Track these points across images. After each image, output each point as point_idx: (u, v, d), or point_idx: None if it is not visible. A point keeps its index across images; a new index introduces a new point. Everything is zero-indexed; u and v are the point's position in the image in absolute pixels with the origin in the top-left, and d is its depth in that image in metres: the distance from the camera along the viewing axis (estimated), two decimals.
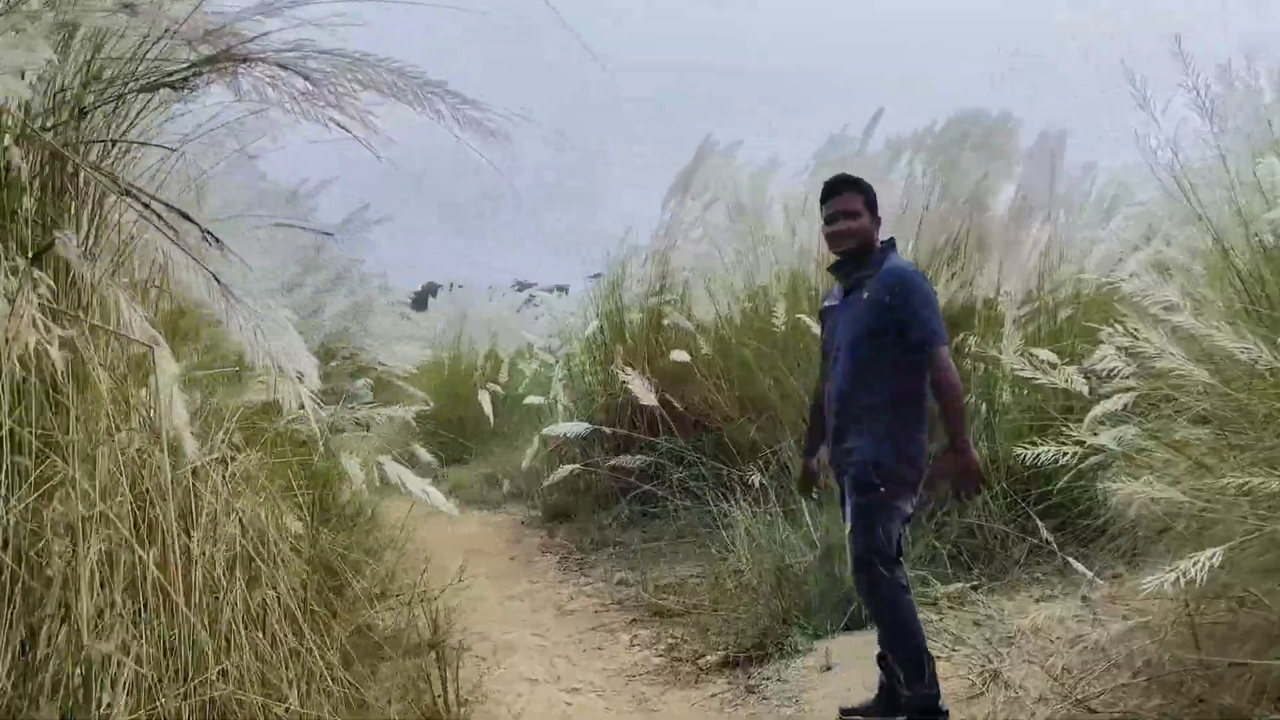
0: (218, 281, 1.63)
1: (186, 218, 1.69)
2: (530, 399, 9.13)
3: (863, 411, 3.38)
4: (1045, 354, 4.38)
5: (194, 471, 1.95)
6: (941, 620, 4.36)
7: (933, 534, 4.98)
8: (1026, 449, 4.14)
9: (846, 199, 3.50)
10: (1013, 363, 5.18)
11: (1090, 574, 4.04)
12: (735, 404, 6.80)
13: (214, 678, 1.79)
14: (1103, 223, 6.42)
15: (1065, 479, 4.69)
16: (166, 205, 1.73)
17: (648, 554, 6.46)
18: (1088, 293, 5.75)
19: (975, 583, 4.74)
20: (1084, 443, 3.97)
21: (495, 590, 6.17)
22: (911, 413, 3.35)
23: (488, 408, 10.77)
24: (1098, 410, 4.16)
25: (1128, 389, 4.19)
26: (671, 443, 6.65)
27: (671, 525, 6.30)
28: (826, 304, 3.78)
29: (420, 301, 13.88)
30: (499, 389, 11.85)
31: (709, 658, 4.38)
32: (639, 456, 7.10)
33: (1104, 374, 4.46)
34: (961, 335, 5.52)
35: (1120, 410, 4.10)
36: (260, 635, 2.00)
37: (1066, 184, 6.14)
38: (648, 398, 6.48)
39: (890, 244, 3.58)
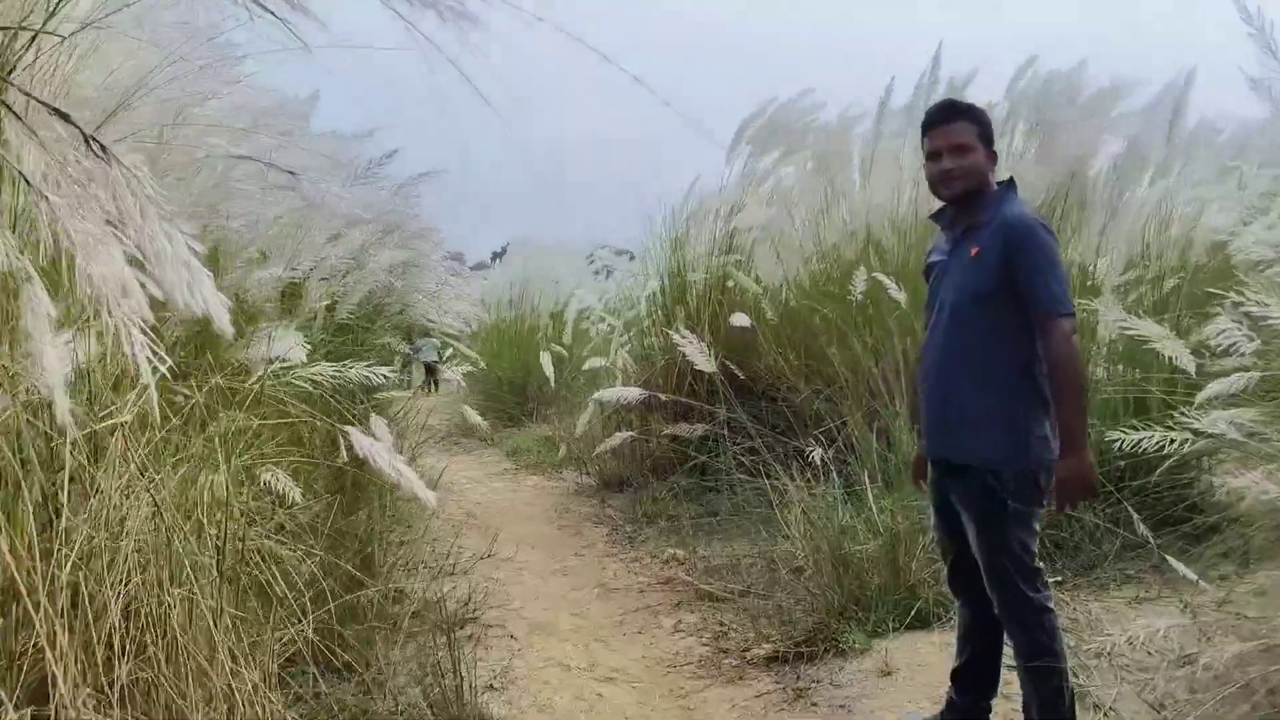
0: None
1: (64, 117, 1.31)
2: (591, 362, 8.75)
3: (969, 398, 2.81)
4: (1148, 326, 3.83)
5: (89, 439, 1.62)
6: None
7: None
8: (1125, 433, 3.66)
9: (955, 130, 2.86)
10: (1110, 333, 4.66)
11: (1194, 576, 3.53)
12: (801, 374, 6.33)
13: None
14: (1221, 182, 5.76)
15: (1166, 466, 4.20)
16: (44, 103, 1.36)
17: (701, 530, 6.09)
18: (1200, 259, 5.13)
19: (1058, 578, 4.25)
20: (1195, 428, 3.45)
21: (540, 562, 5.85)
22: (1034, 400, 2.75)
23: (549, 369, 10.43)
24: (1211, 390, 3.64)
25: (1247, 368, 3.66)
26: (732, 413, 6.23)
27: (728, 500, 5.88)
28: (932, 258, 3.12)
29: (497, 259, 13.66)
30: (562, 350, 11.53)
31: (756, 650, 3.98)
32: (698, 425, 6.71)
33: (1218, 349, 3.94)
34: None
35: (1239, 391, 3.58)
36: (156, 648, 1.64)
37: (1184, 139, 5.49)
38: (706, 364, 6.05)
39: (1009, 185, 2.95)
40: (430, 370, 17.16)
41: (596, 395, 6.59)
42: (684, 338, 5.74)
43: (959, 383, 2.84)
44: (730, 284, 7.18)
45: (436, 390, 17.16)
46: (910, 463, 3.48)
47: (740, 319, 6.38)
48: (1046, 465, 2.70)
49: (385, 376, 4.97)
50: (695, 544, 5.73)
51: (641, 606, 4.82)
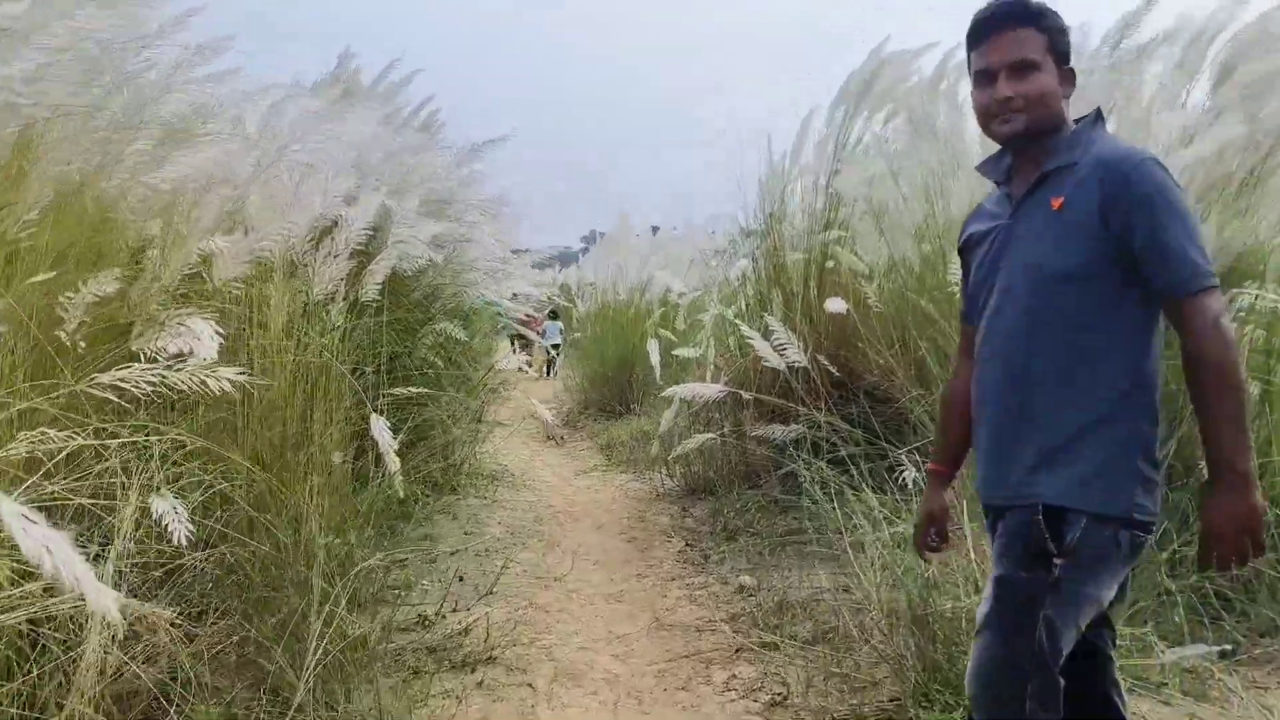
0: None
1: None
2: (681, 351, 7.97)
3: (1051, 416, 1.97)
4: None
5: None
6: (1171, 710, 2.94)
7: (1162, 568, 3.50)
8: None
9: (1015, 40, 2.01)
10: None
11: None
12: (907, 372, 5.39)
13: None
14: None
15: None
16: None
17: (785, 551, 5.24)
18: None
19: (1226, 647, 3.26)
20: None
21: (596, 583, 5.12)
22: (1140, 421, 1.94)
23: (655, 358, 9.71)
24: None
25: None
26: (828, 415, 5.37)
27: (810, 519, 5.02)
28: (975, 226, 2.23)
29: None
30: (672, 336, 10.78)
31: None
32: (791, 427, 5.84)
33: None
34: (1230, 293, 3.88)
35: None
36: None
37: None
38: (794, 356, 5.20)
39: (1097, 118, 2.07)
40: (556, 351, 16.73)
41: (672, 390, 5.80)
42: (759, 335, 4.89)
43: (1039, 394, 1.98)
44: (830, 264, 6.27)
45: (554, 375, 16.70)
46: (921, 518, 2.45)
47: (837, 304, 5.48)
48: (1142, 519, 1.92)
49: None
50: (772, 571, 4.89)
51: (693, 652, 4.03)
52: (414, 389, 4.74)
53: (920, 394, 5.29)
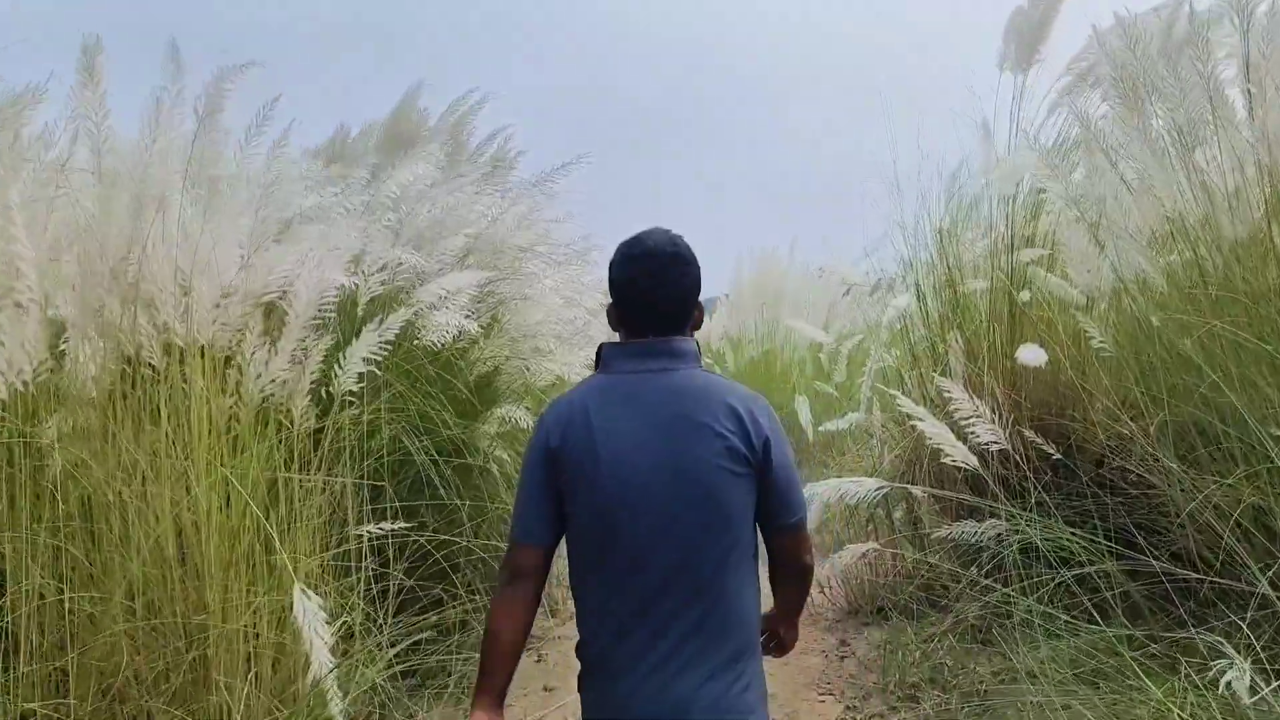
0: None
1: None
2: (832, 424, 6.28)
3: None
4: None
5: None
6: None
7: None
8: None
9: None
10: None
11: None
12: (1168, 441, 3.59)
13: None
14: None
15: None
16: None
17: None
18: None
19: None
20: None
21: None
22: None
23: (805, 418, 8.05)
24: None
25: None
26: (1040, 515, 3.63)
27: (1038, 675, 3.29)
28: None
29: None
30: (831, 389, 9.06)
31: None
32: (992, 522, 4.08)
33: None
34: None
35: None
36: None
37: None
38: (985, 436, 3.49)
39: None
40: None
41: (812, 490, 4.13)
42: (927, 412, 3.24)
43: None
44: (1026, 295, 4.50)
45: None
46: None
47: (1032, 354, 3.73)
48: None
49: None
50: None
51: None
52: (398, 525, 3.28)
53: (1187, 475, 3.49)
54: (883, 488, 3.87)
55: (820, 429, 6.51)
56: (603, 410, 1.87)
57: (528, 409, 4.68)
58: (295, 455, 3.21)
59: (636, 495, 1.82)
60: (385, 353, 3.71)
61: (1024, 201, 4.69)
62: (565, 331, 4.88)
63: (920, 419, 3.15)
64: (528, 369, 4.58)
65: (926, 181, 5.09)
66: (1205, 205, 3.68)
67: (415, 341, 4.09)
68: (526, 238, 4.53)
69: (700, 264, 1.97)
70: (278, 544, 2.83)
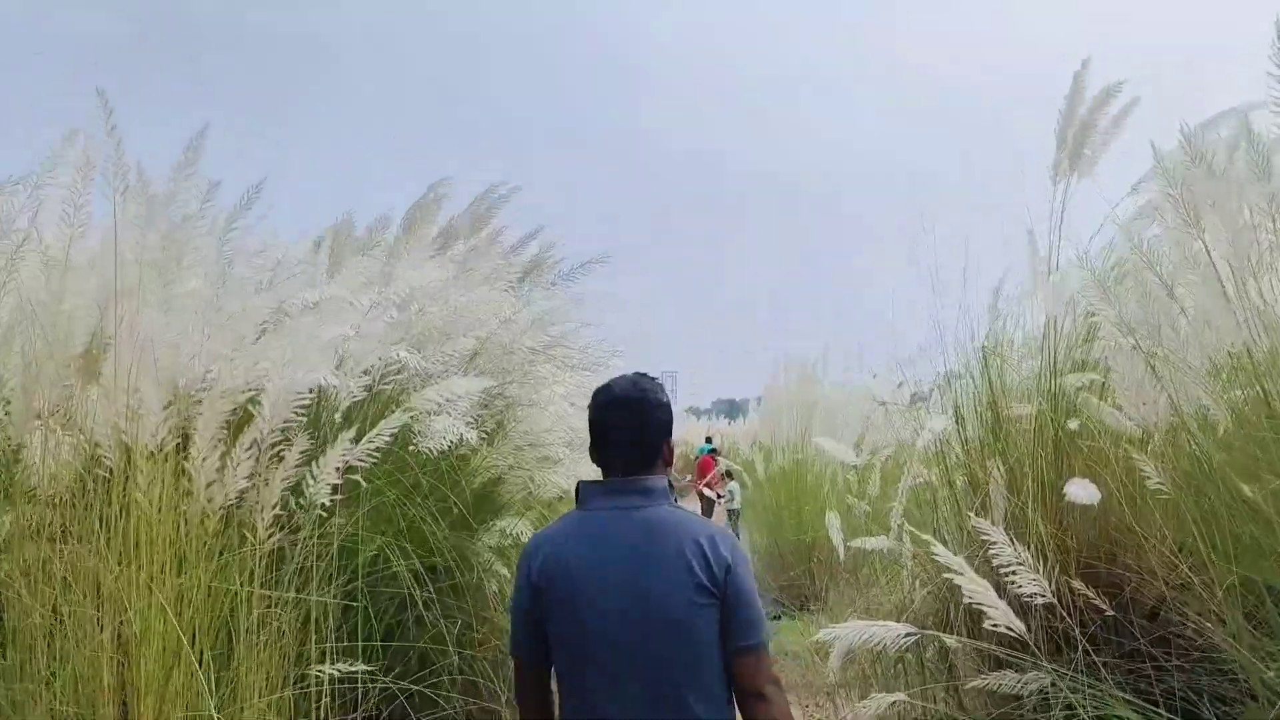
0: None
1: None
2: (862, 541, 5.89)
3: None
4: None
5: None
6: None
7: None
8: None
9: None
10: None
11: None
12: (1235, 598, 3.20)
13: None
14: None
15: None
16: None
17: None
18: None
19: None
20: None
21: None
22: None
23: (836, 536, 7.61)
24: None
25: None
26: (1091, 676, 3.23)
27: None
28: None
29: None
30: (865, 506, 8.61)
31: None
32: (1034, 675, 3.67)
33: None
34: None
35: None
36: None
37: None
38: (1029, 588, 3.11)
39: None
40: (734, 518, 14.78)
41: (829, 633, 3.74)
42: (965, 565, 2.89)
43: None
44: (1075, 424, 4.15)
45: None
46: None
47: (1082, 490, 3.37)
48: None
49: None
50: None
51: None
52: (359, 668, 2.95)
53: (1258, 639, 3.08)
54: (912, 635, 3.48)
55: (850, 545, 6.11)
56: (579, 545, 2.06)
57: (531, 523, 4.37)
58: (254, 574, 2.92)
59: (610, 625, 1.99)
60: (374, 459, 3.46)
61: (1077, 323, 4.36)
62: (577, 439, 4.57)
63: (957, 572, 2.78)
64: (532, 480, 4.28)
65: (971, 295, 4.78)
66: (1274, 338, 3.34)
67: (411, 448, 3.82)
68: (538, 339, 4.26)
69: (671, 405, 2.20)
70: (217, 682, 2.51)
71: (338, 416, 3.25)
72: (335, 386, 3.22)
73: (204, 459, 2.65)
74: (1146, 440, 3.70)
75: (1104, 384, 4.26)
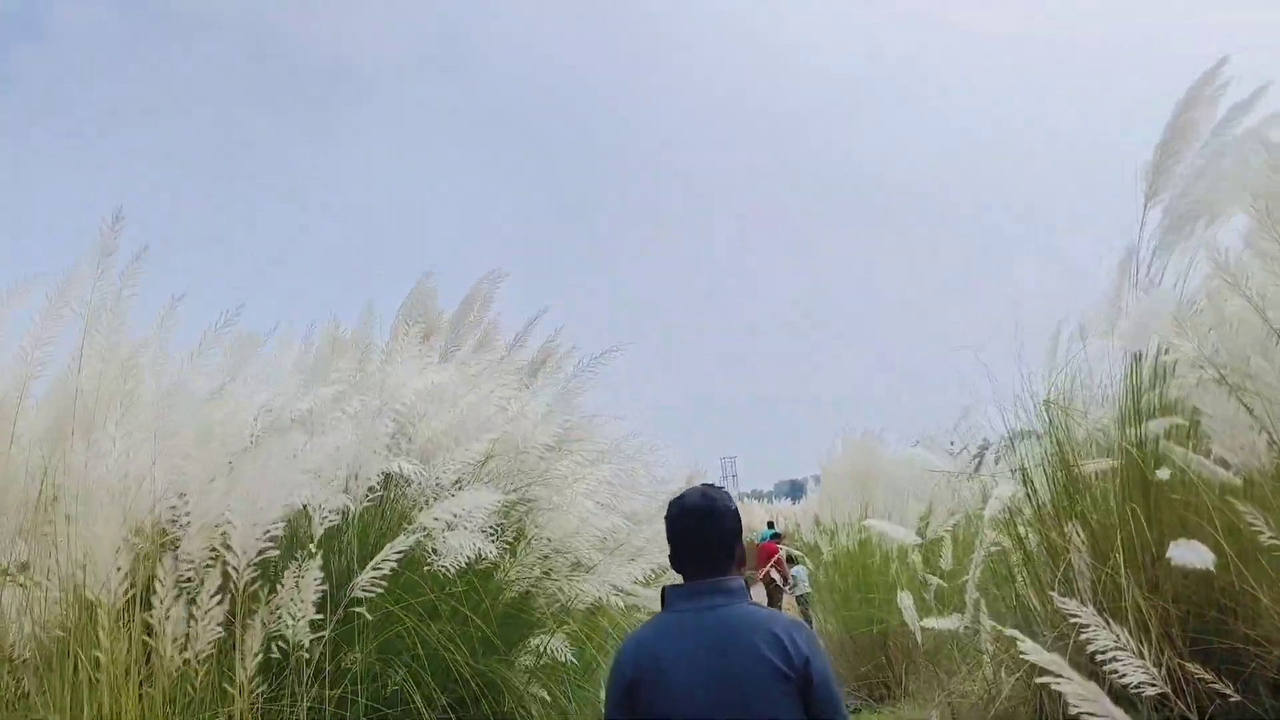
0: None
1: None
2: (934, 622, 5.42)
3: None
4: None
5: None
6: None
7: None
8: None
9: None
10: None
11: None
12: None
13: None
14: None
15: None
16: None
17: None
18: None
19: None
20: None
21: None
22: None
23: (911, 617, 7.06)
24: None
25: None
26: None
27: None
28: None
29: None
30: (939, 581, 8.02)
31: None
32: None
33: None
34: None
35: None
36: None
37: None
38: (1133, 676, 2.64)
39: None
40: (804, 604, 14.11)
41: None
42: (1063, 663, 2.44)
43: None
44: (1165, 474, 3.70)
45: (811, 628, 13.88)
46: None
47: (1193, 553, 2.91)
48: None
49: None
50: None
51: None
52: None
53: None
54: None
55: (923, 626, 5.61)
56: (668, 644, 2.25)
57: (567, 635, 3.97)
58: None
59: (699, 712, 2.15)
60: (381, 587, 3.12)
61: (1148, 365, 3.93)
62: (610, 543, 4.18)
63: (1057, 675, 2.32)
64: (561, 592, 3.89)
65: (1027, 348, 4.36)
66: None
67: (426, 569, 3.48)
68: (550, 433, 3.90)
69: (737, 510, 2.41)
70: None
71: (313, 545, 2.90)
72: (324, 506, 2.90)
73: (167, 610, 2.32)
74: (1249, 488, 3.24)
75: (1190, 429, 3.82)
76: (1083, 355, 4.30)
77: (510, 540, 3.94)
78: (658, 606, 3.76)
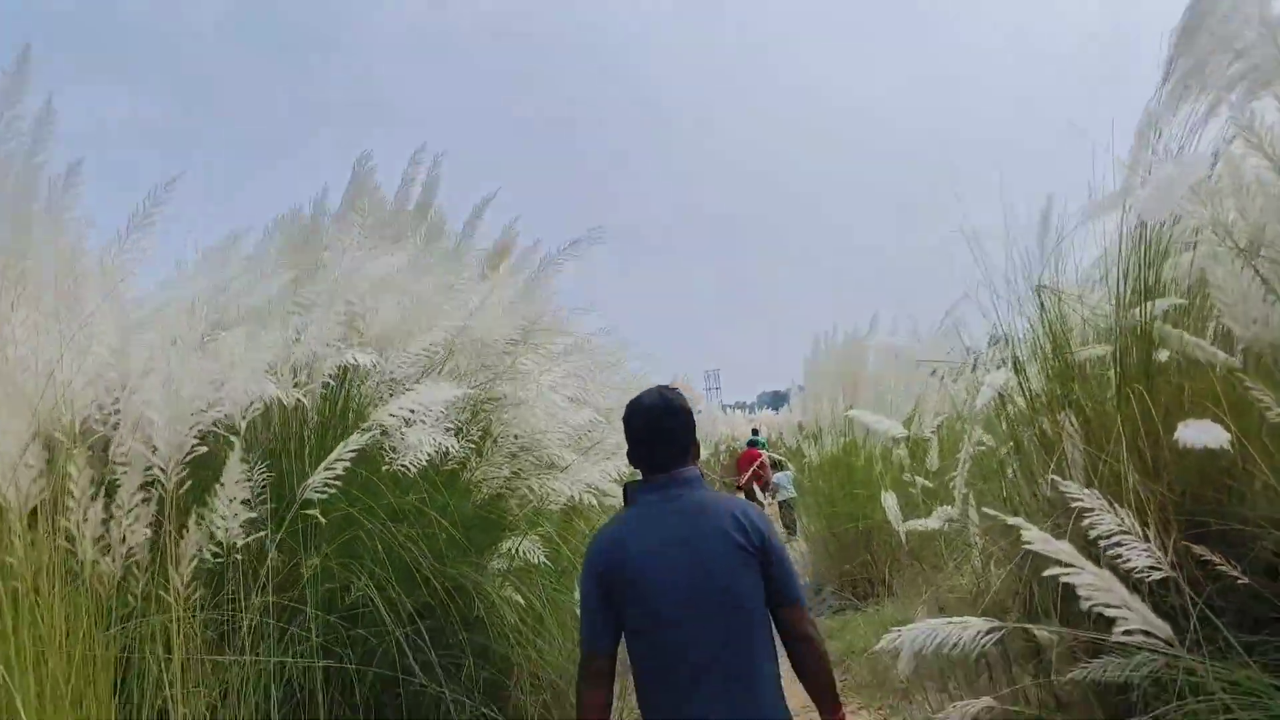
0: None
1: None
2: (918, 522, 5.31)
3: None
4: None
5: None
6: None
7: None
8: None
9: None
10: None
11: None
12: None
13: None
14: None
15: None
16: None
17: None
18: None
19: None
20: None
21: None
22: None
23: (894, 515, 6.96)
24: None
25: None
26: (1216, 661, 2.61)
27: None
28: None
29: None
30: (926, 482, 7.90)
31: None
32: (1143, 656, 3.05)
33: None
34: None
35: None
36: None
37: None
38: (1138, 561, 2.48)
39: None
40: (786, 510, 14.11)
41: (891, 640, 3.11)
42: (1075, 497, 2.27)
43: None
44: (1164, 356, 3.51)
45: (795, 534, 13.99)
46: None
47: (1206, 433, 2.71)
48: None
49: None
50: None
51: None
52: None
53: None
54: (996, 629, 2.85)
55: (907, 526, 5.50)
56: (636, 535, 2.44)
57: (540, 538, 3.80)
58: (184, 638, 2.37)
59: (677, 601, 2.36)
60: (335, 489, 2.92)
61: (1150, 242, 3.69)
62: (584, 441, 3.97)
63: (1069, 564, 2.13)
64: (531, 491, 3.70)
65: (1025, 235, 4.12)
66: None
67: (386, 468, 3.27)
68: (515, 325, 3.65)
69: (692, 411, 2.59)
70: None
71: (237, 440, 2.66)
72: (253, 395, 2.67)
73: (85, 510, 2.10)
74: (1255, 362, 3.04)
75: (1190, 309, 3.62)
76: (1080, 236, 4.07)
77: (476, 439, 3.74)
78: None
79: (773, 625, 2.49)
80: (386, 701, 3.30)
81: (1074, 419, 3.81)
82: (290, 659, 2.73)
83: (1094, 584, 2.08)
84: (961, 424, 6.42)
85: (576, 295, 4.43)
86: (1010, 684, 3.73)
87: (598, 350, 4.48)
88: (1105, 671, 3.07)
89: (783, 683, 2.50)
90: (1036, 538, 2.21)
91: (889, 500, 7.07)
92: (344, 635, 3.09)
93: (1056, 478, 2.48)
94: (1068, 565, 2.12)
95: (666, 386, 2.65)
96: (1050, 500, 3.80)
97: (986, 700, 3.34)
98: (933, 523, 4.85)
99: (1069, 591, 3.47)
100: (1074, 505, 2.49)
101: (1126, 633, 2.03)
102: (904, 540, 6.91)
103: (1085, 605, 2.11)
